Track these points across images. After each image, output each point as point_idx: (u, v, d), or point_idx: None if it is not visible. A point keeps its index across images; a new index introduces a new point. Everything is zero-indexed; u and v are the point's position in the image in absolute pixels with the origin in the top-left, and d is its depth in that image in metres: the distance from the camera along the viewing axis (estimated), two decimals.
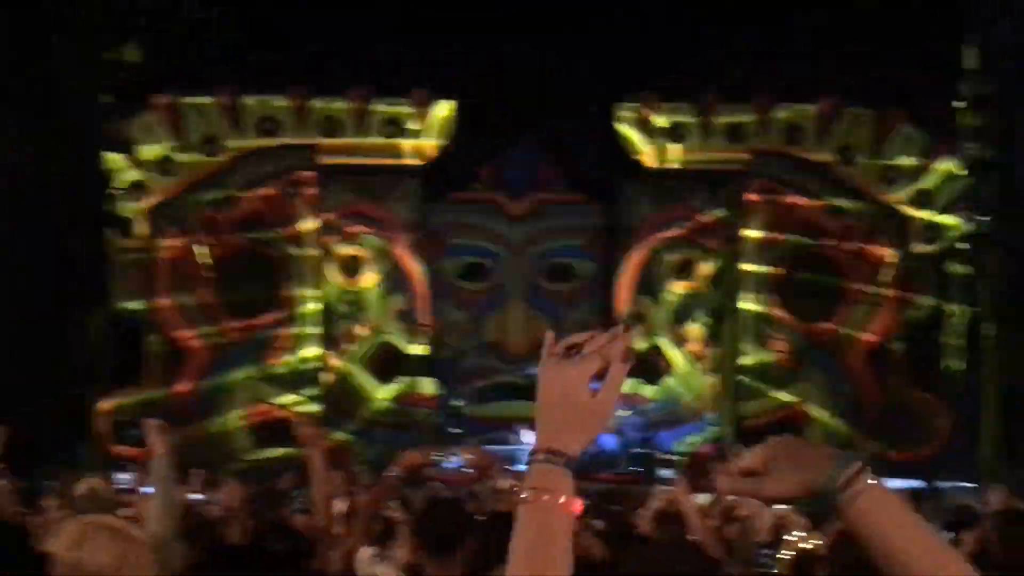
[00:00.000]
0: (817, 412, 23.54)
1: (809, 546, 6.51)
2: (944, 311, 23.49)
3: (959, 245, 23.28)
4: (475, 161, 23.99)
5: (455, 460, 21.43)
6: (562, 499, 1.93)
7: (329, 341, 23.52)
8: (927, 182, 23.05)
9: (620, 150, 23.19)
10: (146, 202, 22.42)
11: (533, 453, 1.99)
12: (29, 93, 20.04)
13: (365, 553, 5.28)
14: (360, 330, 23.86)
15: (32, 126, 20.01)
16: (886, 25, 22.23)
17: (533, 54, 22.98)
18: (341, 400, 23.54)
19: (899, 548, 1.85)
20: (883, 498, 1.88)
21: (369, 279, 23.82)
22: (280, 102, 22.92)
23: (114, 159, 22.02)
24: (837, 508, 1.89)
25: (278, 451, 22.15)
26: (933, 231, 23.19)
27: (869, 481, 1.88)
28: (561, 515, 1.93)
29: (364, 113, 22.97)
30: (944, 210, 23.07)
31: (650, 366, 24.32)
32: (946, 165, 23.03)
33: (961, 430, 22.70)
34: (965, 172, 22.88)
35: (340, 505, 7.31)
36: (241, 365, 23.11)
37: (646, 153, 23.16)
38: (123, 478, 14.40)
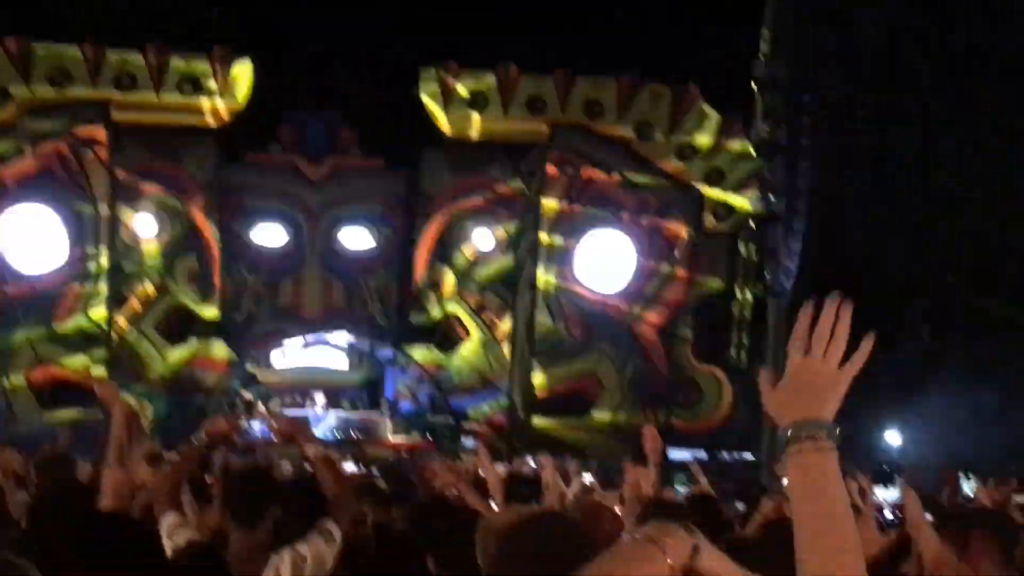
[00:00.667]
0: (608, 383, 24.00)
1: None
2: (734, 288, 24.15)
3: (749, 224, 23.88)
4: (274, 123, 23.72)
5: (261, 426, 21.36)
6: (670, 554, 1.95)
7: (117, 301, 22.98)
8: (720, 160, 23.59)
9: (421, 117, 23.17)
10: None
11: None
12: None
13: (169, 520, 5.17)
14: (150, 291, 23.40)
15: None
16: (687, 4, 22.71)
17: (337, 15, 22.92)
18: (128, 362, 23.12)
19: (823, 505, 2.00)
20: (828, 461, 2.01)
21: (162, 239, 23.33)
22: (73, 52, 22.17)
23: None
24: (788, 450, 2.03)
25: (65, 413, 21.78)
26: (725, 209, 23.78)
27: (827, 443, 2.02)
28: (660, 560, 1.95)
29: (161, 69, 22.42)
30: (735, 189, 23.66)
31: (446, 334, 24.50)
32: (738, 144, 23.58)
33: (745, 404, 23.38)
34: (755, 152, 23.46)
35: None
36: (25, 324, 22.49)
37: (446, 121, 23.20)
38: None
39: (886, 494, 20.05)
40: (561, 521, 2.75)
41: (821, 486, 2.02)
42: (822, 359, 2.06)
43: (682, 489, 12.43)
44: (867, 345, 2.07)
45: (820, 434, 2.03)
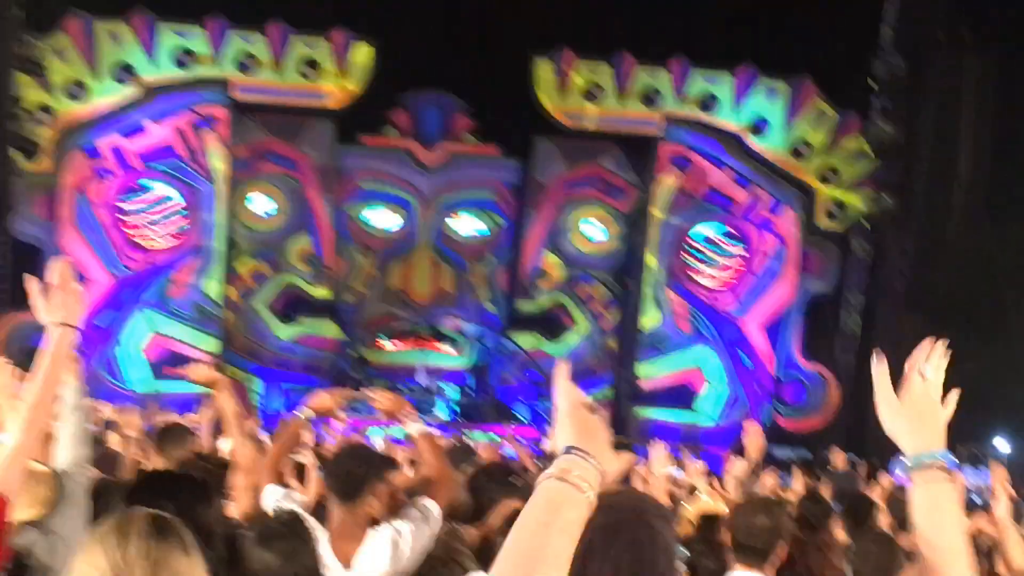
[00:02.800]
0: (713, 377, 24.38)
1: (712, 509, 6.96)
2: (843, 288, 24.25)
3: (863, 224, 23.92)
4: (389, 106, 24.28)
5: (365, 403, 21.91)
6: (586, 488, 2.01)
7: (231, 277, 23.79)
8: (835, 158, 23.74)
9: (535, 105, 23.55)
10: (54, 126, 22.39)
11: (567, 450, 2.07)
12: None
13: (273, 493, 5.39)
14: (264, 268, 24.16)
15: None
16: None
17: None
18: (241, 338, 23.89)
19: (932, 537, 2.29)
20: (956, 491, 2.31)
21: (276, 218, 24.07)
22: (197, 32, 22.93)
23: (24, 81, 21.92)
24: (917, 476, 2.34)
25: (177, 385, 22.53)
26: (838, 208, 23.91)
27: (941, 472, 2.32)
28: (580, 499, 2.00)
29: (282, 51, 23.08)
30: (850, 188, 23.79)
31: (553, 322, 24.92)
32: (855, 142, 23.70)
33: (852, 405, 23.56)
34: (871, 151, 23.50)
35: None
36: (140, 298, 23.38)
37: (561, 111, 23.57)
38: None
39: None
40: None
41: (947, 512, 2.30)
42: (933, 388, 2.42)
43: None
44: (955, 393, 2.47)
45: (945, 464, 2.33)
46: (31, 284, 3.69)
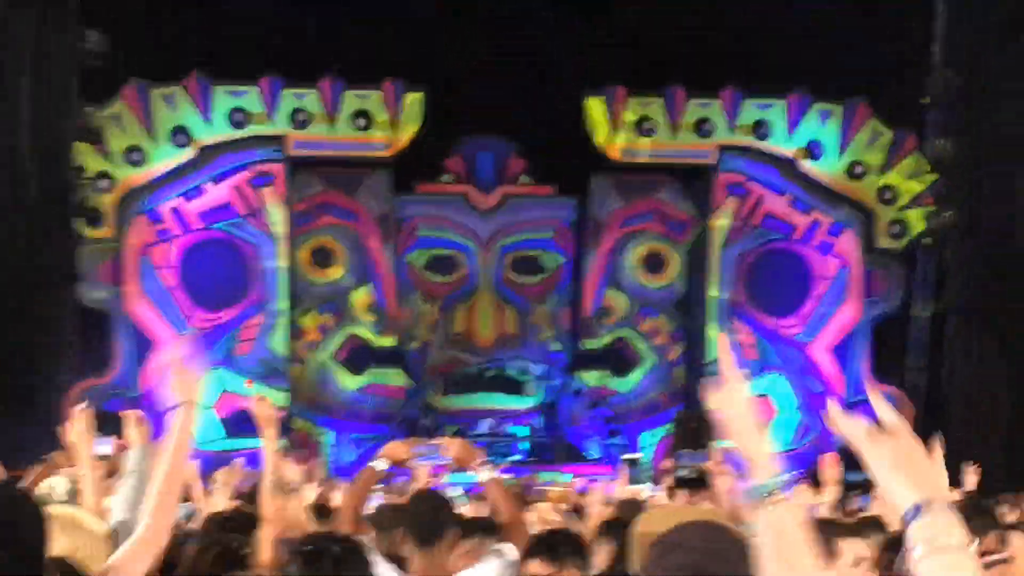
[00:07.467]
0: (783, 405, 24.40)
1: None
2: (910, 307, 24.18)
3: (925, 241, 23.89)
4: (443, 153, 24.65)
5: (436, 451, 22.09)
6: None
7: (296, 331, 24.17)
8: (893, 177, 23.81)
9: (588, 143, 23.83)
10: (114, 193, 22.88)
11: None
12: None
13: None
14: (327, 320, 24.54)
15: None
16: (853, 20, 22.77)
17: (502, 45, 23.53)
18: (308, 391, 24.24)
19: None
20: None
21: (338, 270, 24.48)
22: (251, 91, 23.39)
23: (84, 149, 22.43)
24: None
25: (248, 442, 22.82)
26: (900, 227, 23.95)
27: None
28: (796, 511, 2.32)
29: (335, 104, 23.52)
30: (910, 206, 23.83)
31: (617, 358, 25.07)
32: (912, 160, 23.75)
33: (926, 425, 23.43)
34: (930, 168, 23.50)
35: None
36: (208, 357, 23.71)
37: (614, 146, 23.85)
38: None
39: None
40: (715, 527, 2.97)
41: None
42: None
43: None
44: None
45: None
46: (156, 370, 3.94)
